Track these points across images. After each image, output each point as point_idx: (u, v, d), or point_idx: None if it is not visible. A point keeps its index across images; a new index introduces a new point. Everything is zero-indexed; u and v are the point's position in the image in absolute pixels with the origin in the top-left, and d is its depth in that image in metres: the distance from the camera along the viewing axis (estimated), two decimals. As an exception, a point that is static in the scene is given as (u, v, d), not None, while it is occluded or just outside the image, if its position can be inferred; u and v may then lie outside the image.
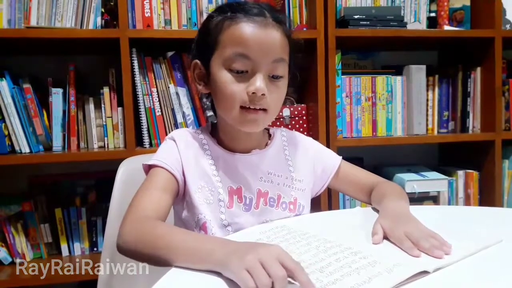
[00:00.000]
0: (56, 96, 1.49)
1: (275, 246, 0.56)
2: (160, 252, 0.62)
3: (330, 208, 1.59)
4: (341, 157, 0.97)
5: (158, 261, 0.63)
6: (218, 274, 0.57)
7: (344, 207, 1.69)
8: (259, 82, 0.76)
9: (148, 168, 0.82)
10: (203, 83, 0.84)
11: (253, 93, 0.76)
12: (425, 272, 0.55)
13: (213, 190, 0.82)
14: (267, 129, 0.95)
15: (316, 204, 1.45)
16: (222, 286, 0.54)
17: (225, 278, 0.55)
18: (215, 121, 0.91)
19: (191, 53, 0.87)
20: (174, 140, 0.85)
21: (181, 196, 0.83)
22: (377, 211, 0.83)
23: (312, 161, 0.94)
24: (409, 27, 1.69)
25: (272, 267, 0.51)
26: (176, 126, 1.53)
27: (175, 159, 0.82)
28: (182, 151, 0.83)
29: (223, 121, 0.85)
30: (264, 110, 0.79)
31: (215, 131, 0.90)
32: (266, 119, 0.81)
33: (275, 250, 0.54)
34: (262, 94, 0.76)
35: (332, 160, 0.96)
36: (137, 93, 1.48)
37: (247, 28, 0.76)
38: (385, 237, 0.69)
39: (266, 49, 0.76)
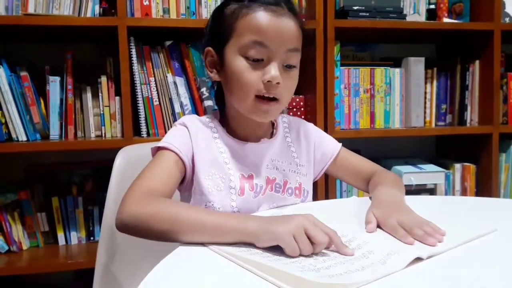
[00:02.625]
0: (54, 85, 1.48)
1: (309, 214, 0.61)
2: (178, 228, 0.63)
3: (327, 198, 1.60)
4: (341, 144, 0.98)
5: (170, 237, 0.64)
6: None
7: (341, 197, 1.69)
8: (274, 70, 0.77)
9: (156, 150, 0.82)
10: (215, 71, 0.85)
11: (269, 81, 0.77)
12: (418, 259, 0.55)
13: (224, 177, 0.82)
14: None
15: (313, 194, 1.45)
16: (226, 263, 0.56)
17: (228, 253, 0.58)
18: (215, 109, 0.91)
19: (203, 40, 0.87)
20: (186, 126, 0.84)
21: (188, 182, 0.83)
22: (374, 200, 0.83)
23: (313, 146, 0.95)
24: (408, 19, 1.69)
25: (315, 234, 0.57)
26: (174, 116, 1.53)
27: (185, 144, 0.81)
28: (193, 137, 0.83)
29: (234, 110, 0.85)
30: (276, 100, 0.80)
31: (223, 120, 0.90)
32: (278, 109, 0.83)
33: (312, 218, 0.60)
34: (276, 83, 0.77)
35: (332, 146, 0.97)
36: (135, 82, 1.48)
37: (265, 17, 0.77)
38: (378, 226, 0.69)
39: (282, 38, 0.78)
